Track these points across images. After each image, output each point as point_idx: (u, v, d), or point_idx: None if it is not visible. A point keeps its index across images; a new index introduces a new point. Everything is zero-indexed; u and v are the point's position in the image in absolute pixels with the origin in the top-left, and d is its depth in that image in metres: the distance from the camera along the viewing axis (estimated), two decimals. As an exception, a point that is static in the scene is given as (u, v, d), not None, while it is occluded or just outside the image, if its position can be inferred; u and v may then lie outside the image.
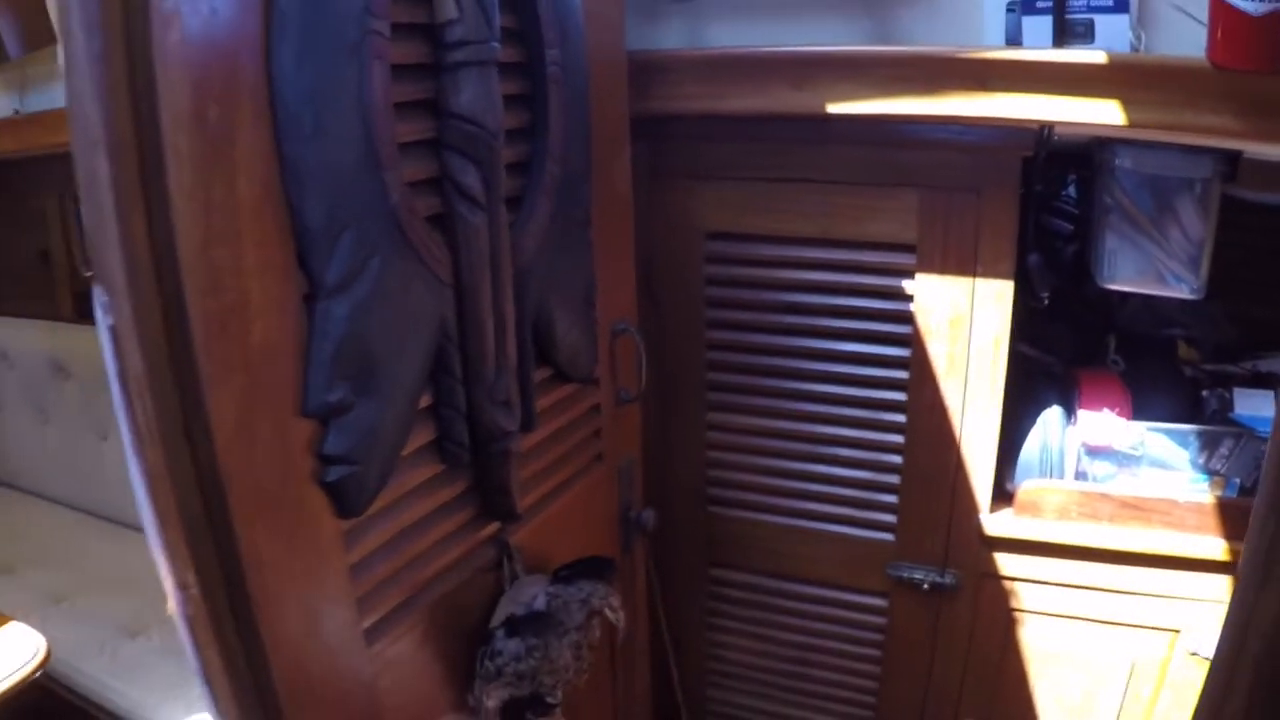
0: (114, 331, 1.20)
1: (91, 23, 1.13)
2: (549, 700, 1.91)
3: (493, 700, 1.83)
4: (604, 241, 2.13)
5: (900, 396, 2.46)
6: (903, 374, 2.44)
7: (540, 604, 1.87)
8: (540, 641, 1.81)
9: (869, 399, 2.51)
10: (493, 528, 1.90)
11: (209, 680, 1.40)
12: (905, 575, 2.57)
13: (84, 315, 4.18)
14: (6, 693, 2.61)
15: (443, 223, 1.63)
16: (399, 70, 1.49)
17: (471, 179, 1.62)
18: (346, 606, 1.56)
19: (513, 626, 1.82)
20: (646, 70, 2.31)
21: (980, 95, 2.06)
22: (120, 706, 3.05)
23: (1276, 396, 2.40)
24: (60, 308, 4.37)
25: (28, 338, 4.42)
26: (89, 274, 1.24)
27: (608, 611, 1.98)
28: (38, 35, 3.47)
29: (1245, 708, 1.21)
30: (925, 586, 2.56)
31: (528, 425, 1.87)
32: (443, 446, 1.72)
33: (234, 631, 1.41)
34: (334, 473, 1.46)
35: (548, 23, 1.80)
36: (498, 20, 1.63)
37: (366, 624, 1.61)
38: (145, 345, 1.22)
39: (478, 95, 1.60)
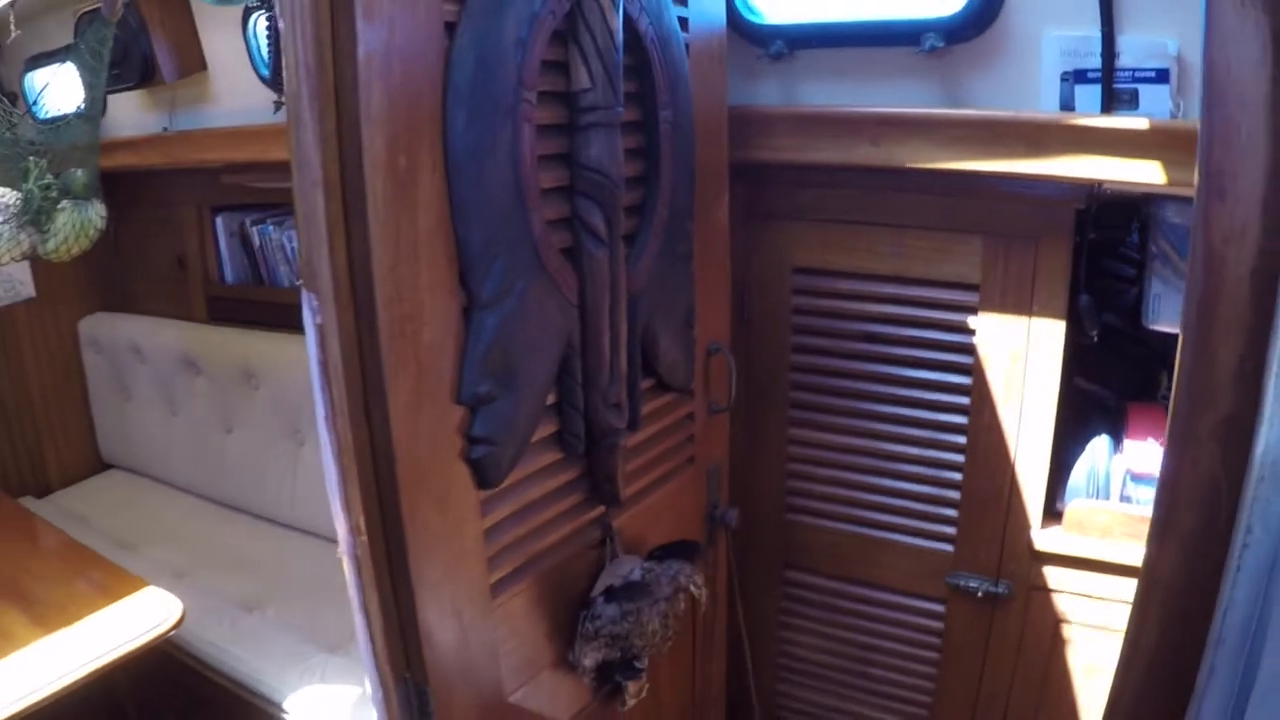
0: (320, 329, 1.59)
1: (314, 91, 1.53)
2: (636, 665, 2.25)
3: (589, 659, 2.18)
4: (704, 272, 2.46)
5: (962, 420, 2.68)
6: (964, 399, 2.67)
7: (635, 577, 2.22)
8: (634, 608, 2.16)
9: (934, 421, 2.73)
10: (598, 511, 2.24)
11: (366, 612, 1.80)
12: (962, 584, 2.77)
13: (215, 317, 4.61)
14: (144, 647, 2.86)
15: (572, 254, 1.99)
16: (542, 129, 1.86)
17: (597, 219, 1.98)
18: (478, 562, 1.93)
19: (611, 594, 2.17)
20: (746, 123, 2.62)
21: (1036, 154, 2.29)
22: (239, 672, 3.35)
23: None
24: (193, 309, 4.72)
25: (162, 336, 4.75)
26: (299, 283, 1.63)
27: (692, 588, 2.32)
28: (189, 63, 3.83)
29: (1156, 636, 1.54)
30: (980, 595, 2.74)
31: (633, 425, 2.22)
32: (563, 438, 2.08)
33: (389, 573, 1.80)
34: (478, 451, 1.83)
35: (661, 87, 2.15)
36: (622, 88, 2.00)
37: (493, 579, 1.97)
38: (343, 341, 1.62)
39: (604, 151, 1.97)
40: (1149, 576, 1.56)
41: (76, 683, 2.65)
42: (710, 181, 2.46)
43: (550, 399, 2.03)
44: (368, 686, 1.88)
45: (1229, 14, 1.32)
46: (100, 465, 5.27)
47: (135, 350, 4.86)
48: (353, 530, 1.72)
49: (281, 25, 1.54)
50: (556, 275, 1.93)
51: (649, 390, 2.33)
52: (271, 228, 4.28)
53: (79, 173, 3.43)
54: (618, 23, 1.96)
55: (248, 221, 4.37)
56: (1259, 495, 1.33)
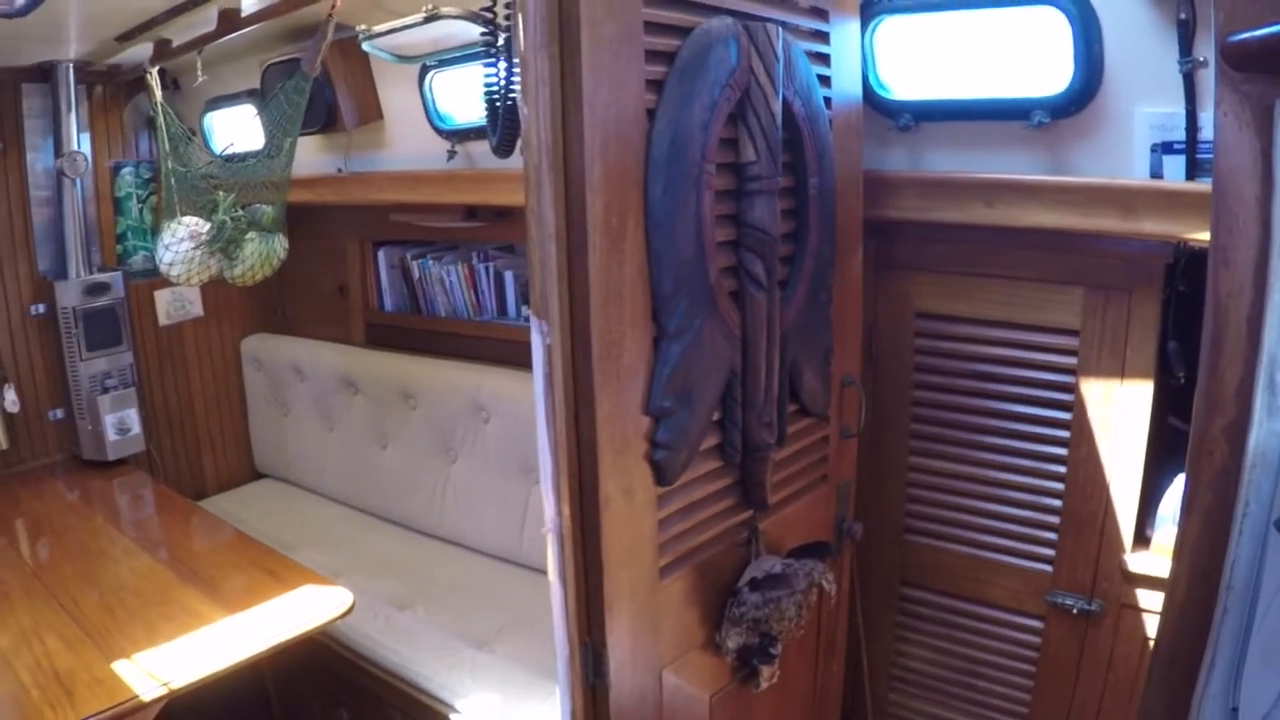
0: (549, 349, 2.13)
1: (551, 164, 2.08)
2: (771, 651, 2.70)
3: (733, 641, 2.65)
4: (840, 314, 2.92)
5: (1062, 451, 3.03)
6: (1065, 433, 3.01)
7: (776, 570, 2.68)
8: (775, 596, 2.62)
9: (1037, 452, 3.08)
10: (747, 514, 2.70)
11: (564, 581, 2.30)
12: (1059, 602, 3.08)
13: (372, 342, 5.16)
14: (317, 630, 3.28)
15: (737, 297, 2.49)
16: (717, 194, 2.38)
17: (758, 268, 2.49)
18: (651, 548, 2.43)
19: (755, 585, 2.64)
20: (878, 186, 3.06)
21: (1129, 216, 2.64)
22: (392, 663, 3.81)
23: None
24: (352, 334, 5.29)
25: (323, 357, 5.32)
26: (528, 311, 2.18)
27: (824, 582, 2.77)
28: (367, 112, 4.36)
29: (1185, 586, 2.05)
30: (1075, 612, 3.05)
31: (780, 441, 2.69)
32: (723, 449, 2.57)
33: (582, 550, 2.30)
34: (659, 454, 2.35)
35: (810, 158, 2.64)
36: (780, 160, 2.52)
37: (661, 564, 2.46)
38: (564, 360, 2.16)
39: (765, 212, 2.48)
40: (1180, 541, 2.05)
41: (261, 654, 3.13)
42: (848, 236, 2.92)
43: (715, 416, 2.52)
44: (558, 650, 2.39)
45: (1229, 132, 1.85)
46: (253, 474, 5.87)
47: (296, 369, 5.43)
48: (559, 512, 2.24)
49: (525, 111, 2.07)
50: (726, 314, 2.43)
51: (793, 414, 2.76)
52: (431, 262, 4.81)
53: (268, 208, 3.97)
54: (778, 106, 2.48)
55: (408, 256, 4.92)
56: (1252, 479, 1.86)
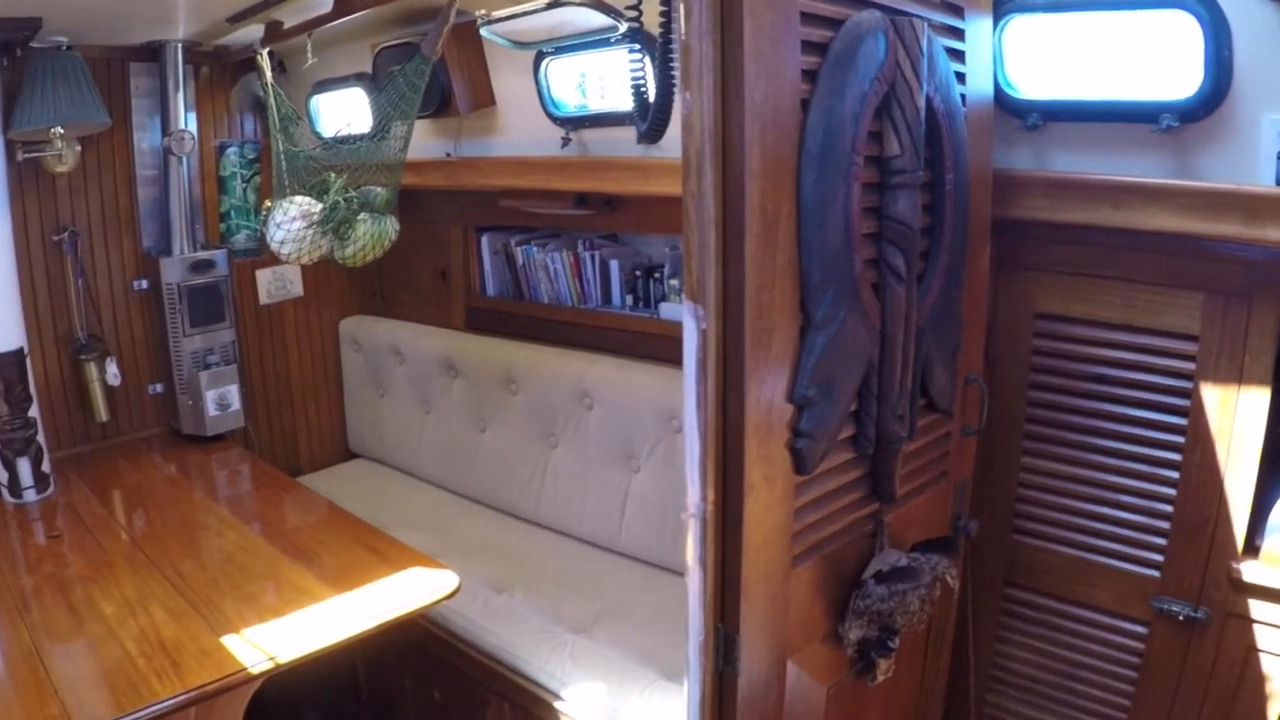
0: (704, 335, 2.15)
1: (714, 150, 2.10)
2: (889, 644, 2.72)
3: (855, 633, 2.66)
4: (967, 311, 2.93)
5: (1175, 457, 3.01)
6: (1179, 439, 2.99)
7: (902, 564, 2.70)
8: (900, 589, 2.64)
9: (1150, 456, 3.07)
10: (873, 506, 2.73)
11: (703, 565, 2.31)
12: (1165, 607, 3.05)
13: (472, 326, 5.21)
14: (423, 609, 3.30)
15: (877, 290, 2.51)
16: (863, 187, 2.40)
17: (899, 262, 2.51)
18: (786, 536, 2.45)
19: (881, 577, 2.66)
20: (1005, 184, 3.06)
21: (1253, 222, 2.63)
22: (492, 645, 3.84)
23: None
24: (453, 318, 5.34)
25: (423, 340, 5.37)
26: (683, 295, 2.19)
27: (948, 577, 2.78)
28: (481, 98, 4.38)
29: None
30: (1180, 618, 3.02)
31: (910, 435, 2.71)
32: (857, 441, 2.59)
33: (722, 534, 2.33)
34: (800, 442, 2.37)
35: (948, 154, 2.65)
36: (923, 155, 2.54)
37: (794, 552, 2.49)
38: (718, 345, 2.18)
39: (907, 205, 2.50)
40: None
41: (368, 631, 3.15)
42: (977, 232, 2.94)
43: (851, 407, 2.54)
44: (690, 633, 2.40)
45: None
46: (346, 454, 5.95)
47: (395, 351, 5.47)
48: (704, 497, 2.25)
49: (687, 97, 2.09)
50: (867, 306, 2.45)
51: (920, 409, 2.79)
52: (535, 249, 4.86)
53: (381, 190, 4.01)
54: (922, 100, 2.49)
55: (512, 242, 4.97)
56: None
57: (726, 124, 2.10)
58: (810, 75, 2.26)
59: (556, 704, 3.55)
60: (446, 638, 3.99)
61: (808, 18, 2.23)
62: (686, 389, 2.22)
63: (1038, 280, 3.25)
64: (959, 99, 2.71)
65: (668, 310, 4.28)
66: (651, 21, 2.38)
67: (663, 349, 4.26)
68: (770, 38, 2.13)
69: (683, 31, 2.07)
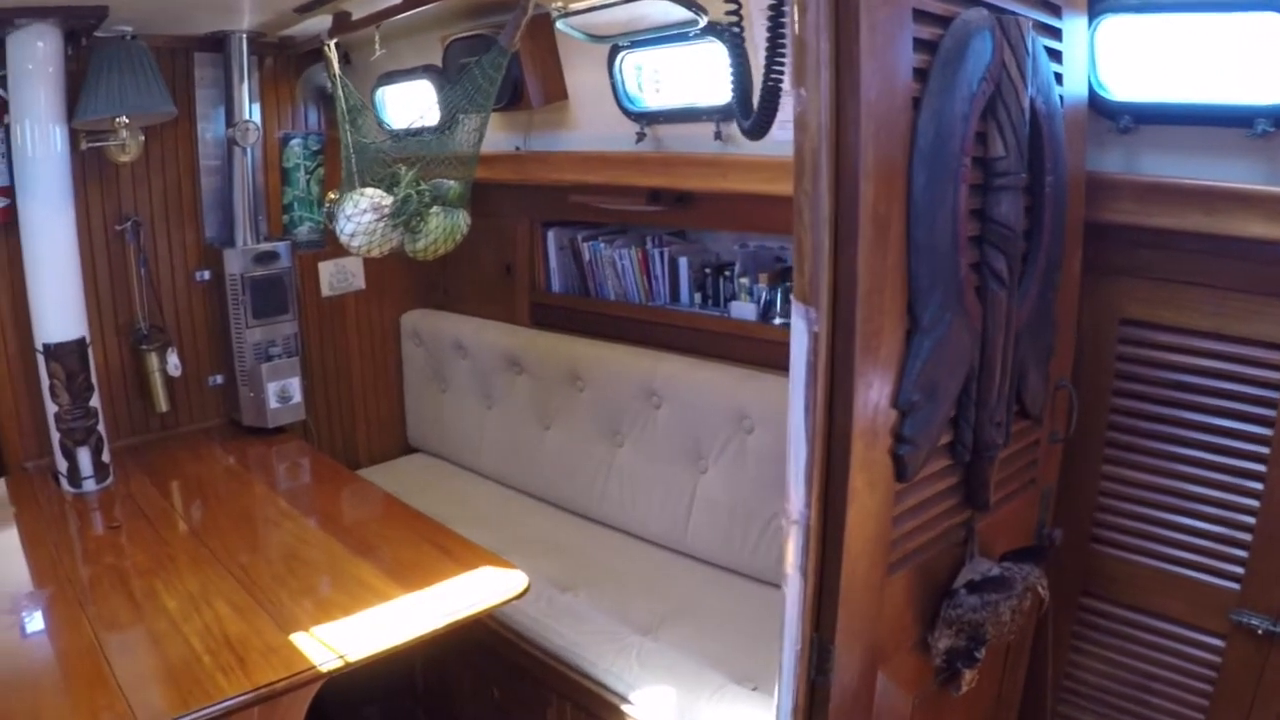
0: (815, 337, 2.10)
1: (829, 149, 2.05)
2: (976, 655, 2.66)
3: (943, 642, 2.61)
4: (1059, 316, 2.88)
5: (1260, 468, 2.93)
6: (1264, 449, 2.92)
7: (994, 573, 2.66)
8: (993, 599, 2.58)
9: (1234, 467, 3.00)
10: (965, 514, 2.68)
11: (803, 573, 2.27)
12: (1245, 621, 2.98)
13: (536, 322, 5.17)
14: (491, 609, 3.26)
15: (978, 294, 2.45)
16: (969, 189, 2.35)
17: (1001, 265, 2.45)
18: (884, 544, 2.40)
19: (973, 587, 2.61)
20: (1094, 187, 3.00)
21: None
22: (557, 645, 3.79)
23: None
24: (517, 314, 5.31)
25: (487, 335, 5.34)
26: (792, 297, 2.14)
27: (1039, 588, 2.74)
28: (553, 91, 4.32)
29: None
30: (1260, 633, 2.95)
31: (1006, 441, 2.66)
32: (954, 447, 2.54)
33: (822, 542, 2.28)
34: (903, 448, 2.32)
35: (1048, 155, 2.60)
36: (1026, 156, 2.48)
37: (890, 559, 2.44)
38: (828, 348, 2.13)
39: (1011, 208, 2.44)
40: None
41: (437, 631, 3.11)
42: (1070, 237, 2.88)
43: (950, 414, 2.49)
44: (785, 642, 2.36)
45: None
46: (405, 448, 5.93)
47: (458, 346, 5.45)
48: (809, 504, 2.20)
49: (802, 94, 2.04)
50: (970, 310, 2.40)
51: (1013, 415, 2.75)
52: (602, 245, 4.82)
53: (454, 183, 3.96)
54: (1027, 101, 2.44)
55: (579, 237, 4.93)
56: None
57: (841, 122, 2.05)
58: (920, 74, 2.21)
59: (625, 707, 3.50)
60: (510, 636, 3.93)
61: (919, 15, 2.18)
62: (793, 393, 2.17)
63: (1124, 286, 3.18)
64: (1058, 101, 2.66)
65: (738, 309, 4.24)
66: (718, 14, 2.33)
67: (733, 348, 4.23)
68: (884, 34, 2.08)
69: (797, 26, 2.02)
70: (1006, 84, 2.37)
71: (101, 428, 4.24)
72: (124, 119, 4.15)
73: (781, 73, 2.23)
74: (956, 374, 2.42)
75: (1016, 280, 2.55)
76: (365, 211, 3.88)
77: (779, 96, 2.30)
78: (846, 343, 2.13)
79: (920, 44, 2.20)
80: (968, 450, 2.55)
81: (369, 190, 3.95)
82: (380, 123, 4.80)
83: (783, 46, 2.21)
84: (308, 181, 5.22)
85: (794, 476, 2.22)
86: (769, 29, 2.25)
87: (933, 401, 2.34)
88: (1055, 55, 2.73)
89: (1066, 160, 2.74)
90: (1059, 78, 2.72)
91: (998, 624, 2.62)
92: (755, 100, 2.45)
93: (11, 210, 4.12)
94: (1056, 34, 2.75)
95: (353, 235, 3.92)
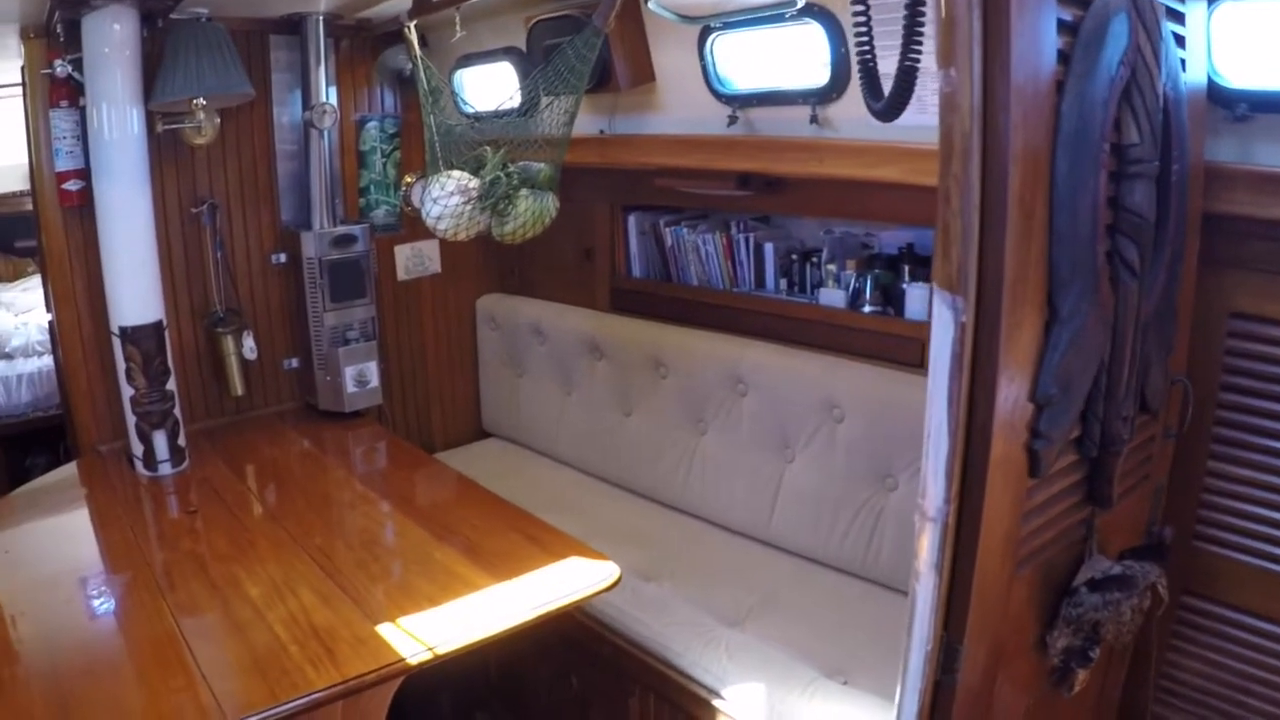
0: (961, 328, 2.02)
1: (980, 133, 1.97)
2: (1090, 655, 2.59)
3: (1062, 641, 2.54)
4: (1179, 308, 2.81)
5: None
6: None
7: (1116, 571, 2.58)
8: (1115, 598, 2.51)
9: None
10: (1085, 511, 2.60)
11: (938, 571, 2.20)
12: None
13: (617, 307, 5.11)
14: (583, 601, 3.22)
15: (1110, 284, 2.37)
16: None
17: (1133, 255, 2.37)
18: (1013, 541, 2.32)
19: (1094, 584, 2.54)
20: (1210, 178, 2.91)
21: None
22: (641, 635, 3.71)
23: None
24: (596, 299, 5.24)
25: (566, 319, 5.27)
26: (935, 284, 2.06)
27: (1159, 587, 2.67)
28: (641, 73, 4.24)
29: None
30: None
31: (1131, 436, 2.58)
32: (1082, 443, 2.46)
33: (956, 536, 2.21)
34: (1038, 443, 2.24)
35: (1175, 143, 2.51)
36: (1159, 144, 2.39)
37: (1019, 555, 2.37)
38: (973, 338, 2.05)
39: (1144, 196, 2.36)
40: None
41: (528, 623, 3.03)
42: (1190, 226, 2.80)
43: (1080, 408, 2.41)
44: (913, 641, 2.29)
45: None
46: (479, 433, 5.89)
47: (536, 331, 5.39)
48: (948, 499, 2.13)
49: (952, 74, 1.96)
50: (1104, 301, 2.32)
51: None
52: (685, 230, 4.74)
53: (543, 165, 3.90)
54: (1160, 86, 2.35)
55: (661, 222, 4.86)
56: None
57: (990, 104, 1.98)
58: (1063, 56, 2.14)
59: (715, 701, 3.42)
60: (593, 625, 3.86)
61: (1063, -6, 2.09)
62: (934, 384, 2.11)
63: (1235, 278, 3.08)
64: (1184, 88, 2.58)
65: (827, 296, 4.15)
66: None
67: (820, 336, 4.14)
68: (1032, 13, 2.01)
69: (945, 4, 1.95)
70: (1142, 69, 2.29)
71: (178, 411, 4.21)
72: (201, 101, 4.11)
73: (919, 53, 2.14)
74: (1090, 367, 2.34)
75: (1146, 271, 2.47)
76: (452, 194, 3.83)
77: (915, 77, 2.21)
78: (991, 333, 2.06)
79: (1062, 25, 2.12)
80: (1095, 445, 2.47)
81: (455, 172, 3.91)
82: (458, 105, 4.73)
83: (920, 26, 2.12)
84: (384, 165, 5.17)
85: (933, 471, 2.15)
86: (907, 7, 2.17)
87: (1067, 395, 2.27)
88: (1179, 41, 2.65)
89: (1189, 149, 2.65)
90: (1182, 64, 2.63)
91: (1118, 623, 2.55)
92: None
93: (87, 193, 4.11)
94: (1181, 19, 2.67)
95: (439, 218, 3.87)
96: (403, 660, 2.74)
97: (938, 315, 2.07)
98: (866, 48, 2.35)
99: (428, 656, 2.78)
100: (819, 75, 3.57)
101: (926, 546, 2.20)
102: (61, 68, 3.98)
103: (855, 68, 2.45)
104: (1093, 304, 2.26)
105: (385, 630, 2.88)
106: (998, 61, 1.95)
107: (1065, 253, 2.15)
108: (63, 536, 3.74)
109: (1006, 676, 2.50)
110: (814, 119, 3.65)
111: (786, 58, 3.81)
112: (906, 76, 2.22)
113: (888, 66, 2.27)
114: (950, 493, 2.14)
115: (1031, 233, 2.08)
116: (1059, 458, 2.37)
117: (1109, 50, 2.18)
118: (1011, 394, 2.13)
